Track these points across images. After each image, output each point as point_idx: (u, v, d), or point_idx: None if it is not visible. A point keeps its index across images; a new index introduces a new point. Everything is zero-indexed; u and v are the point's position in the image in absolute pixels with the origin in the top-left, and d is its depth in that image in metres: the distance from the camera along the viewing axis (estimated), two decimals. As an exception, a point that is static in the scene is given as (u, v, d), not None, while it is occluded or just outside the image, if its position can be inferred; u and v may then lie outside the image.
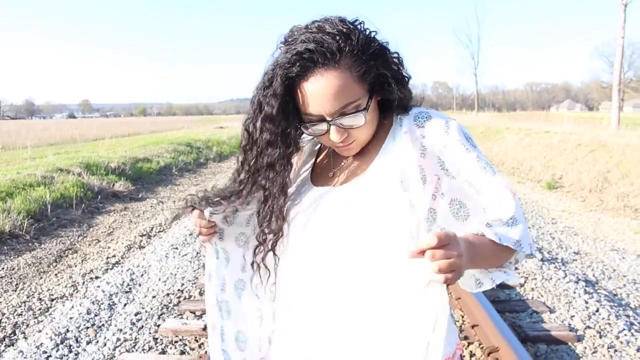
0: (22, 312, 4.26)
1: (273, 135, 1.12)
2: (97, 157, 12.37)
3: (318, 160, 1.31)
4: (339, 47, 1.04)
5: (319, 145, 1.33)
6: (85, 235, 7.08)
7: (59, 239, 6.77)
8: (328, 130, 1.10)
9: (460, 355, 1.24)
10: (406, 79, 1.14)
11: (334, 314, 1.13)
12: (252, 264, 1.26)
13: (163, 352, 3.36)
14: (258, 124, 1.13)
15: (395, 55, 1.12)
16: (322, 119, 1.09)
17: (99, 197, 9.35)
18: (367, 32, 1.08)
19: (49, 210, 7.68)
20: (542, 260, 5.10)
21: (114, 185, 10.25)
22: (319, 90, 1.05)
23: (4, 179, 8.64)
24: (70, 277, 5.15)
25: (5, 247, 6.18)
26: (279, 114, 1.09)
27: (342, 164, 1.23)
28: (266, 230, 1.20)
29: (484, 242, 1.04)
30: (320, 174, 1.26)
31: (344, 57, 1.04)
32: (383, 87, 1.11)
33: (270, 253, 1.22)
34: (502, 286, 4.41)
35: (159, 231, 7.13)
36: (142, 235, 6.85)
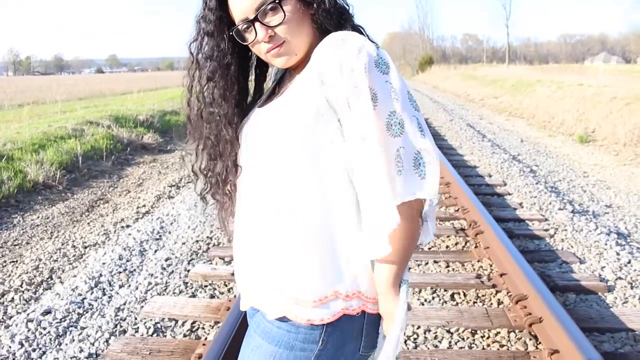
0: (57, 258, 4.39)
1: (211, 49, 1.18)
2: (126, 110, 12.49)
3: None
4: None
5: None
6: (115, 186, 7.21)
7: (91, 189, 6.92)
8: (257, 35, 1.13)
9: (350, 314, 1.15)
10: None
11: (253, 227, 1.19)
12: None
13: (193, 295, 3.44)
14: (197, 43, 1.20)
15: None
16: (247, 21, 1.13)
17: (128, 149, 9.48)
18: None
19: (80, 161, 7.83)
20: (572, 212, 5.01)
21: (142, 137, 10.37)
22: None
23: (36, 132, 8.80)
24: (102, 226, 5.28)
25: (39, 197, 6.35)
26: (216, 27, 1.16)
27: (278, 86, 1.28)
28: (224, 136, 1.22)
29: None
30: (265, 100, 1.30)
31: None
32: None
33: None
34: (532, 237, 4.36)
35: (188, 182, 7.21)
36: (171, 186, 6.95)
